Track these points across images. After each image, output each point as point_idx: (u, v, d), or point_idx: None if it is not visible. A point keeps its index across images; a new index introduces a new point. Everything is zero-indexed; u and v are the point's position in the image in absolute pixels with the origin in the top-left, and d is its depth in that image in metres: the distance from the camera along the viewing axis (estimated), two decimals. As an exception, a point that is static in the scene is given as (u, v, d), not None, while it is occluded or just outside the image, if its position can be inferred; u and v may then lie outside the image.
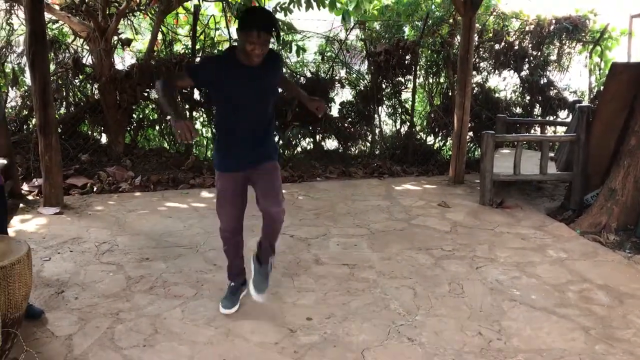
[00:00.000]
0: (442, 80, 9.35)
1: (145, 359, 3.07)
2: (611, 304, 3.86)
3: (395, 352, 3.18)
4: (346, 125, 9.11)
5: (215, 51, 8.51)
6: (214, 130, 3.61)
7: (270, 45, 3.23)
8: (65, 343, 3.21)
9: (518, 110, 9.49)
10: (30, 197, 6.38)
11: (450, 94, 9.11)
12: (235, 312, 3.63)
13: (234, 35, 8.44)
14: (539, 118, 9.28)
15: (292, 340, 3.30)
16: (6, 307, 2.74)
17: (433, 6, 9.27)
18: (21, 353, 2.85)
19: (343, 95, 9.31)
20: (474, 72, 8.78)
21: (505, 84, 9.55)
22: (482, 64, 9.36)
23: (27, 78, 7.75)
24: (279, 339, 3.31)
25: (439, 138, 9.40)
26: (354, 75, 9.20)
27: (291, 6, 7.28)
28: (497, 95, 9.48)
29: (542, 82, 9.33)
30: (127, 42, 8.12)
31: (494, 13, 9.36)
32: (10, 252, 2.96)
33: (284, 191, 3.69)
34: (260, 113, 3.37)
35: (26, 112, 7.80)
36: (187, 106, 8.29)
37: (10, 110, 7.86)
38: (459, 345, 3.27)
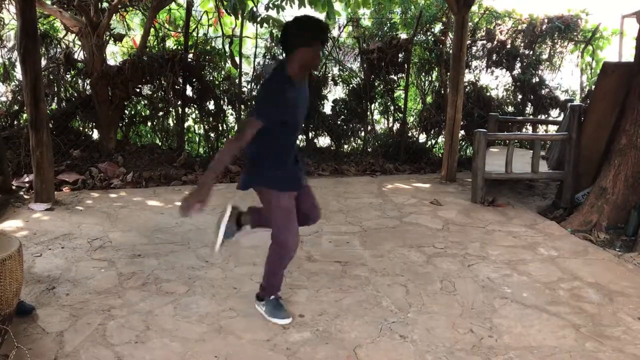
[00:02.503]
0: (434, 78, 9.37)
1: (137, 355, 3.06)
2: (601, 302, 3.89)
3: (387, 349, 3.19)
4: (339, 122, 9.11)
5: (208, 47, 8.48)
6: (261, 148, 3.21)
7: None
8: (57, 339, 3.20)
9: (510, 109, 9.53)
10: (21, 193, 6.34)
11: (442, 92, 9.13)
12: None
13: (227, 32, 8.44)
14: (531, 117, 9.33)
15: (284, 337, 3.30)
16: (-3, 303, 2.73)
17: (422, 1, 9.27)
18: (12, 349, 2.84)
19: (336, 92, 9.32)
20: (467, 71, 8.80)
21: (497, 82, 9.58)
22: (474, 63, 9.39)
23: (18, 73, 7.70)
24: (271, 335, 3.32)
25: (431, 136, 9.43)
26: (347, 73, 9.20)
27: (284, 3, 7.26)
28: (489, 93, 9.51)
29: (534, 81, 9.36)
30: (119, 38, 8.08)
31: (487, 11, 9.39)
32: (1, 248, 2.95)
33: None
34: (300, 126, 3.45)
35: (17, 108, 7.75)
36: (179, 102, 8.27)
37: (0, 106, 7.81)
38: (451, 343, 3.28)
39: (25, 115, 7.03)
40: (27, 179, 6.60)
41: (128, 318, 3.49)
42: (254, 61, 8.66)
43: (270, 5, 7.47)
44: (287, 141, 3.27)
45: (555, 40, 9.36)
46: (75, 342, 3.18)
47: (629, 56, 9.14)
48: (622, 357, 3.15)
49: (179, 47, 8.30)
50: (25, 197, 6.19)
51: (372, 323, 3.50)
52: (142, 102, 8.50)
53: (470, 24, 8.52)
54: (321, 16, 8.10)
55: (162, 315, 3.55)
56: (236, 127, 8.50)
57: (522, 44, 9.34)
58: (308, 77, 3.33)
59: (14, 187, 6.39)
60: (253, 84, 8.59)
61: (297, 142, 3.45)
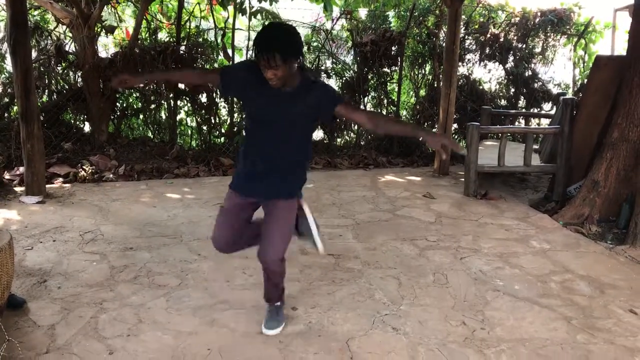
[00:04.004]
0: (427, 71, 9.37)
1: (129, 348, 3.05)
2: (592, 294, 3.91)
3: (379, 342, 3.20)
4: (332, 115, 9.07)
5: (201, 39, 8.44)
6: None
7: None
8: (48, 332, 3.18)
9: (503, 102, 9.56)
10: (11, 186, 6.29)
11: (435, 85, 9.13)
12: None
13: (220, 24, 8.40)
14: (524, 110, 9.35)
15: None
16: (-13, 296, 2.71)
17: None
18: (3, 343, 2.82)
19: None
20: (460, 64, 8.80)
21: (490, 75, 9.60)
22: (467, 56, 9.40)
23: (8, 65, 7.63)
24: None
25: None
26: (340, 66, 9.18)
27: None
28: (482, 87, 9.52)
29: (526, 75, 9.39)
30: (110, 30, 8.02)
31: (480, 4, 9.38)
32: (-8, 240, 2.93)
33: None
34: (285, 140, 2.95)
35: (7, 100, 7.68)
36: (171, 95, 8.23)
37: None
38: (443, 335, 3.29)
39: (15, 108, 6.98)
40: (18, 172, 6.55)
41: (120, 311, 3.47)
42: (247, 53, 8.62)
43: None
44: (250, 140, 3.04)
45: (548, 34, 9.39)
46: (67, 335, 3.16)
47: (621, 50, 9.19)
48: (613, 349, 3.17)
49: (171, 39, 8.25)
50: (16, 190, 6.15)
51: (364, 315, 3.50)
52: (134, 95, 8.45)
53: (463, 16, 8.51)
54: (318, 8, 8.11)
55: (155, 308, 3.53)
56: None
57: (515, 37, 9.36)
58: (308, 97, 2.87)
59: (5, 180, 6.34)
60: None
61: (273, 157, 2.97)
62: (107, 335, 3.18)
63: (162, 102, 8.35)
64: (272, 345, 3.13)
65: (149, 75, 3.33)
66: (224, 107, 8.69)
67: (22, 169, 6.15)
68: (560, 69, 9.70)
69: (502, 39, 9.25)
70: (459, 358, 3.04)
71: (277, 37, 2.66)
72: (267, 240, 3.02)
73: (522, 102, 9.60)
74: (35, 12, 7.94)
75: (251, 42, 8.50)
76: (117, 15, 8.30)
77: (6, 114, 7.71)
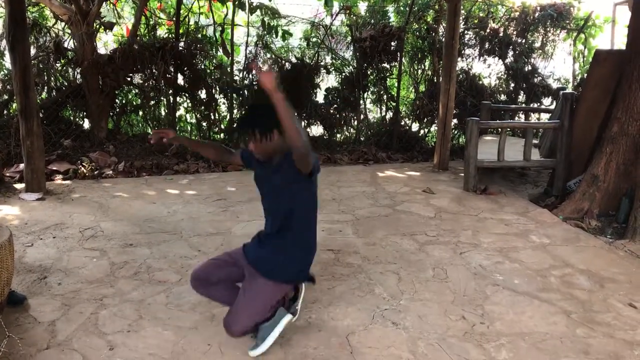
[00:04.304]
0: (427, 66, 9.36)
1: (129, 344, 3.05)
2: (592, 289, 3.91)
3: (379, 336, 3.20)
4: (331, 111, 9.09)
5: (200, 36, 8.43)
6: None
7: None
8: (49, 329, 3.19)
9: (502, 97, 9.54)
10: (11, 183, 6.29)
11: (435, 80, 9.13)
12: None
13: (218, 20, 8.39)
14: (523, 105, 9.34)
15: (277, 325, 3.30)
16: (-12, 292, 2.71)
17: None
18: (3, 339, 2.83)
19: (328, 81, 9.29)
20: (459, 59, 8.79)
21: (490, 70, 9.58)
22: (467, 51, 9.38)
23: (6, 62, 7.63)
24: (264, 323, 3.32)
25: (424, 125, 9.42)
26: (340, 61, 9.17)
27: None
28: (481, 82, 9.51)
29: (526, 69, 9.37)
30: (109, 26, 8.01)
31: (480, -1, 9.38)
32: (-9, 237, 2.93)
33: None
34: (272, 213, 2.99)
35: (6, 97, 7.68)
36: (170, 91, 8.22)
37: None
38: (443, 329, 3.29)
39: (14, 105, 6.97)
40: (17, 169, 6.55)
41: (120, 307, 3.48)
42: (246, 49, 8.62)
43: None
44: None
45: (548, 29, 9.36)
46: (67, 331, 3.17)
47: (621, 44, 9.17)
48: (613, 343, 3.18)
49: (170, 36, 8.24)
50: (16, 186, 6.15)
51: (364, 310, 3.50)
52: (133, 91, 8.44)
53: (462, 11, 8.50)
54: (318, 3, 8.11)
55: (155, 304, 3.54)
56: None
57: (514, 32, 9.34)
58: (282, 163, 2.84)
59: (5, 177, 6.34)
60: (244, 73, 8.55)
61: (267, 227, 3.02)
62: (107, 331, 3.19)
63: (162, 98, 8.34)
64: (272, 340, 3.14)
65: (186, 140, 3.48)
66: (224, 104, 8.69)
67: (21, 165, 6.16)
68: (560, 64, 9.68)
69: (501, 34, 9.23)
70: (458, 352, 3.04)
71: (246, 115, 2.97)
72: (234, 313, 2.91)
73: (521, 97, 9.59)
74: (34, 9, 7.92)
75: (250, 38, 8.53)
76: (115, 11, 8.29)
77: (5, 111, 7.71)
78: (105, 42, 8.58)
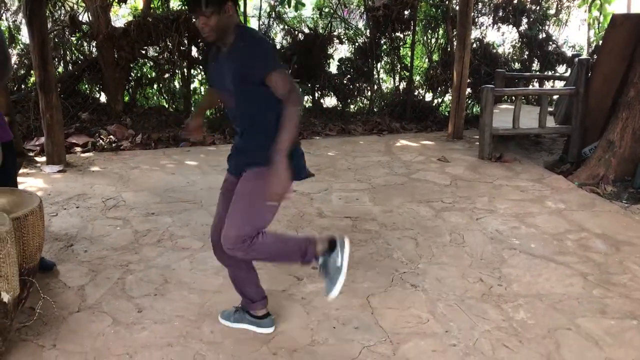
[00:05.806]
0: (440, 35, 9.29)
1: (157, 307, 3.16)
2: (608, 252, 3.96)
3: (399, 298, 3.28)
4: (345, 82, 9.08)
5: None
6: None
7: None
8: (79, 293, 3.30)
9: (517, 65, 9.48)
10: (32, 156, 6.39)
11: (448, 49, 9.07)
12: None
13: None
14: (538, 73, 9.27)
15: (299, 288, 3.39)
16: (21, 257, 2.80)
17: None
18: (38, 301, 2.93)
19: (341, 51, 9.27)
20: (473, 27, 8.71)
21: (503, 39, 9.50)
22: (480, 19, 9.29)
23: (23, 36, 7.68)
24: (286, 286, 3.41)
25: (438, 95, 9.39)
26: (352, 31, 9.14)
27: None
28: (495, 50, 9.44)
29: (540, 37, 9.28)
30: (123, -1, 8.03)
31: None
32: (23, 204, 3.02)
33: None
34: (237, 107, 2.63)
35: (24, 71, 7.75)
36: (185, 64, 8.25)
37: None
38: (461, 291, 3.37)
39: (32, 79, 7.04)
40: (37, 142, 6.65)
41: (146, 272, 3.58)
42: (259, 21, 8.60)
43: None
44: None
45: (563, -6, 9.25)
46: (96, 295, 3.28)
47: (637, 9, 9.05)
48: (629, 303, 3.24)
49: (183, 8, 8.23)
50: (37, 159, 6.25)
51: (383, 274, 3.58)
52: (148, 64, 8.48)
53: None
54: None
55: (179, 269, 3.64)
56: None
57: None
58: (238, 54, 2.50)
59: (26, 151, 6.44)
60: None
61: (237, 127, 2.76)
62: (134, 295, 3.30)
63: (176, 71, 8.37)
64: (295, 302, 3.23)
65: (201, 114, 3.18)
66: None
67: (42, 139, 6.25)
68: (574, 31, 9.58)
69: (515, 1, 9.13)
70: (477, 312, 3.12)
71: None
72: (228, 218, 2.58)
73: (536, 65, 9.52)
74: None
75: (262, 11, 8.51)
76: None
77: (23, 85, 7.78)
78: (124, 15, 8.58)
